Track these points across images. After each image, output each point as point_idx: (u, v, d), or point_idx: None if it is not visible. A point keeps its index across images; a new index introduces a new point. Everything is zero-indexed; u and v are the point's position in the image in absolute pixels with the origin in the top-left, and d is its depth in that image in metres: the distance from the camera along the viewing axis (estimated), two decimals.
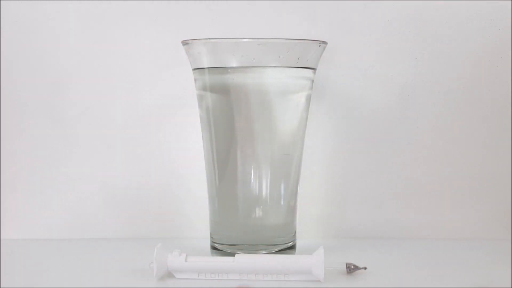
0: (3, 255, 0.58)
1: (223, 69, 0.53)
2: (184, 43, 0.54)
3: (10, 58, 0.64)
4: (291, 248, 0.57)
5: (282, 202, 0.56)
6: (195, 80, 0.56)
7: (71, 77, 0.64)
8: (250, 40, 0.52)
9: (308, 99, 0.56)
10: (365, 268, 0.51)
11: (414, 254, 0.59)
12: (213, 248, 0.57)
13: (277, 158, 0.55)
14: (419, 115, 0.64)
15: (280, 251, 0.56)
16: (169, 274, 0.50)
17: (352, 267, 0.51)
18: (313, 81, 0.56)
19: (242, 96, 0.54)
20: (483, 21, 0.63)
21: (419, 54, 0.63)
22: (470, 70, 0.63)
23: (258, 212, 0.55)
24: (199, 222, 0.63)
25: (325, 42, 0.55)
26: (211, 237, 0.57)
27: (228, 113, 0.54)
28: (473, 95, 0.64)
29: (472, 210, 0.65)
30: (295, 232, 0.58)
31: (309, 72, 0.55)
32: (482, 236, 0.64)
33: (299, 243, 0.58)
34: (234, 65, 0.53)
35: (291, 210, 0.57)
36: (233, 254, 0.51)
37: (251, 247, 0.55)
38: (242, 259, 0.49)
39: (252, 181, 0.55)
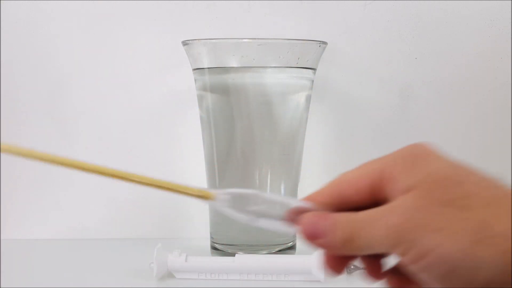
0: (3, 255, 0.58)
1: (223, 69, 0.53)
2: (184, 43, 0.54)
3: (10, 58, 0.64)
4: (291, 248, 0.57)
5: None
6: (195, 80, 0.56)
7: (71, 77, 0.64)
8: (250, 40, 0.52)
9: (308, 99, 0.56)
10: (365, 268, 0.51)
11: None
12: (213, 248, 0.57)
13: (277, 158, 0.55)
14: (419, 115, 0.64)
15: (280, 251, 0.56)
16: (169, 274, 0.50)
17: (352, 267, 0.51)
18: (313, 81, 0.56)
19: (242, 96, 0.54)
20: (483, 21, 0.63)
21: (419, 54, 0.63)
22: (470, 70, 0.63)
23: None
24: (199, 222, 0.63)
25: (325, 43, 0.55)
26: (211, 237, 0.57)
27: (228, 113, 0.54)
28: (473, 95, 0.64)
29: None
30: (295, 232, 0.57)
31: (309, 72, 0.55)
32: None
33: (299, 243, 0.58)
34: (234, 65, 0.53)
35: None
36: (233, 254, 0.51)
37: (251, 247, 0.55)
38: (242, 259, 0.49)
39: (252, 181, 0.55)
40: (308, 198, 0.33)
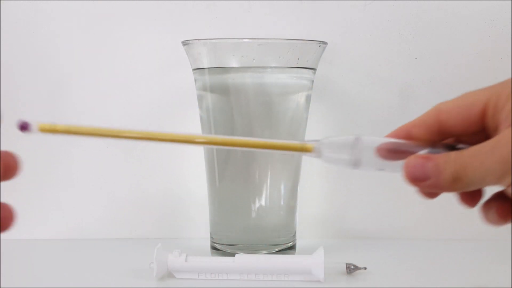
0: (3, 255, 0.58)
1: (223, 69, 0.53)
2: (184, 43, 0.54)
3: (10, 58, 0.64)
4: (291, 248, 0.57)
5: (282, 202, 0.56)
6: (195, 80, 0.56)
7: (71, 77, 0.64)
8: (250, 40, 0.52)
9: (308, 99, 0.56)
10: (365, 268, 0.51)
11: (414, 254, 0.59)
12: (213, 248, 0.57)
13: (277, 158, 0.55)
14: (419, 115, 0.64)
15: (280, 251, 0.56)
16: (169, 274, 0.50)
17: (352, 267, 0.51)
18: (313, 81, 0.56)
19: (242, 96, 0.54)
20: (483, 21, 0.63)
21: (419, 54, 0.63)
22: (470, 70, 0.63)
23: (258, 212, 0.55)
24: (199, 222, 0.63)
25: (325, 43, 0.55)
26: (211, 237, 0.57)
27: (228, 113, 0.54)
28: None
29: (472, 210, 0.65)
30: (295, 232, 0.58)
31: (309, 72, 0.55)
32: (482, 236, 0.64)
33: (299, 243, 0.58)
34: (234, 65, 0.53)
35: (291, 210, 0.57)
36: (233, 254, 0.51)
37: (251, 247, 0.55)
38: (242, 259, 0.49)
39: (252, 181, 0.55)
40: (403, 131, 0.33)
